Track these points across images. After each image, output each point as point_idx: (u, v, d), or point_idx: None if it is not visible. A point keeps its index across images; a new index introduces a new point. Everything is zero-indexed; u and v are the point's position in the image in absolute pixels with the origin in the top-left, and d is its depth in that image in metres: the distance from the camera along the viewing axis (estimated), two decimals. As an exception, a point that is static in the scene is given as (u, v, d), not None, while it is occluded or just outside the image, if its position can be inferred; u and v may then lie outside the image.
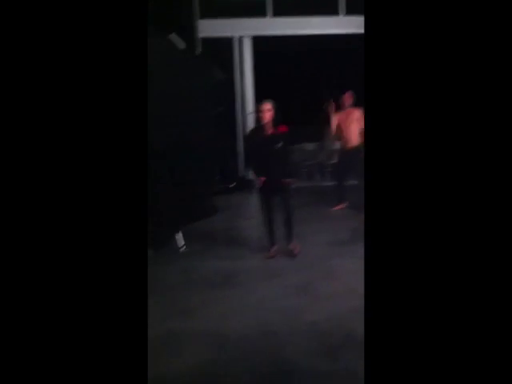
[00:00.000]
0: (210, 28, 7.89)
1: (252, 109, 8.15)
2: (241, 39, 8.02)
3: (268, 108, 4.46)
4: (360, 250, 4.54)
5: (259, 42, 8.11)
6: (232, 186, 7.91)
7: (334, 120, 6.69)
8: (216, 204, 6.72)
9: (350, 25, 7.84)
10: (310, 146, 9.02)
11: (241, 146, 8.14)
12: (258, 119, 4.51)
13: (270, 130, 4.51)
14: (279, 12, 8.00)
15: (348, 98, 6.46)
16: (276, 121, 4.51)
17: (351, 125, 6.57)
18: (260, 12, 7.98)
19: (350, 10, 7.93)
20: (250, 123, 8.10)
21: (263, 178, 4.59)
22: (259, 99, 8.37)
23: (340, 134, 6.72)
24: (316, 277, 4.22)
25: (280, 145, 4.50)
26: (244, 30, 7.97)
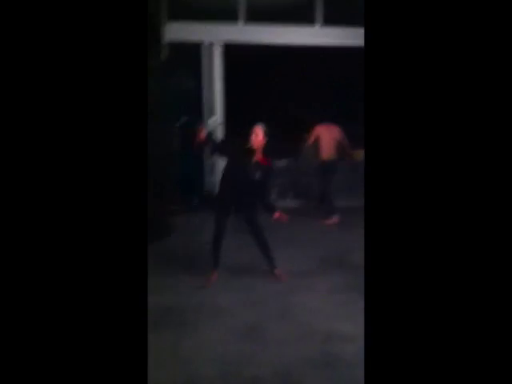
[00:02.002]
0: (178, 31, 7.30)
1: (220, 120, 7.59)
2: (211, 45, 7.45)
3: (260, 132, 4.05)
4: (327, 282, 4.00)
5: (230, 50, 7.55)
6: (195, 203, 7.26)
7: (313, 133, 6.65)
8: (173, 224, 6.15)
9: (326, 36, 7.43)
10: (281, 163, 8.51)
11: (207, 159, 7.54)
12: (247, 141, 4.08)
13: (256, 157, 4.10)
14: (253, 18, 7.47)
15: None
16: (265, 150, 4.13)
17: (330, 139, 6.60)
18: (232, 18, 7.44)
19: (328, 21, 7.47)
20: (218, 135, 7.56)
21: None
22: (228, 110, 8.11)
23: (318, 147, 6.65)
24: (267, 317, 3.66)
25: (260, 176, 4.10)
26: (215, 35, 7.40)
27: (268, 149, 4.10)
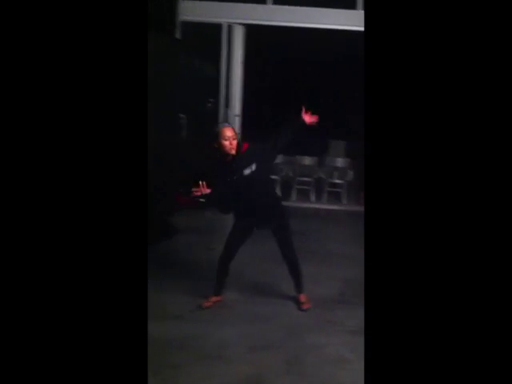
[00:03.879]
0: (195, 11, 6.50)
1: (238, 111, 6.74)
2: (231, 27, 6.60)
3: (232, 133, 3.24)
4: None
5: (253, 32, 6.68)
6: (203, 199, 6.36)
7: None
8: (177, 224, 5.37)
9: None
10: (306, 160, 7.65)
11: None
12: (222, 149, 3.25)
13: (231, 156, 3.29)
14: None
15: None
16: (239, 144, 3.32)
17: None
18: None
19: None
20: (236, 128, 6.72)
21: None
22: (248, 99, 7.30)
23: None
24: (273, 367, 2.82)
25: (253, 167, 3.26)
26: (236, 16, 6.54)
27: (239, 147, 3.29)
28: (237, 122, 6.71)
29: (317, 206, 7.16)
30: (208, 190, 3.21)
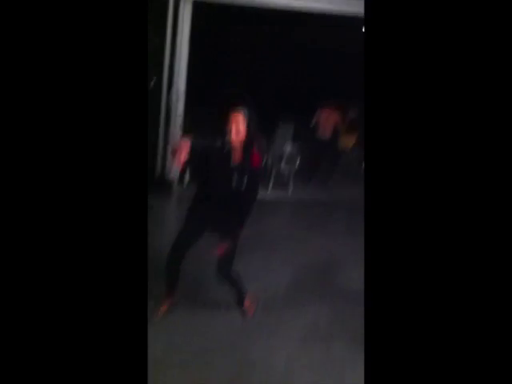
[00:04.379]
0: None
1: (182, 88, 6.35)
2: (178, 1, 6.17)
3: (240, 123, 2.68)
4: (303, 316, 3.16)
5: (202, 8, 6.28)
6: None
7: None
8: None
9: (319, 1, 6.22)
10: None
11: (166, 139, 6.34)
12: (224, 135, 2.72)
13: (237, 158, 2.79)
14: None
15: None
16: (248, 142, 2.77)
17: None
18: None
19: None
20: (179, 107, 6.35)
21: None
22: (193, 75, 6.89)
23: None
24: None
25: (244, 184, 2.79)
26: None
27: (252, 142, 2.79)
28: (180, 101, 6.35)
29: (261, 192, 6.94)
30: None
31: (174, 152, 2.57)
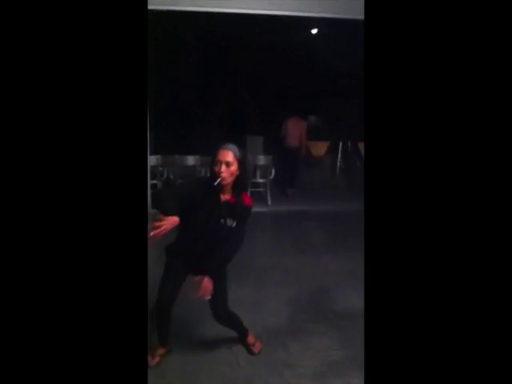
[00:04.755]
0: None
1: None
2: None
3: (229, 159, 2.43)
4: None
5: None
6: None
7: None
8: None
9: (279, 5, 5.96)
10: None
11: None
12: (212, 173, 2.47)
13: (225, 196, 2.53)
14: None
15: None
16: (239, 183, 2.54)
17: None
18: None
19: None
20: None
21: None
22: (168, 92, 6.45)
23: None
24: None
25: (234, 224, 2.54)
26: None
27: (241, 183, 2.54)
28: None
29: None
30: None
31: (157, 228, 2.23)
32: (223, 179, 2.41)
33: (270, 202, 6.84)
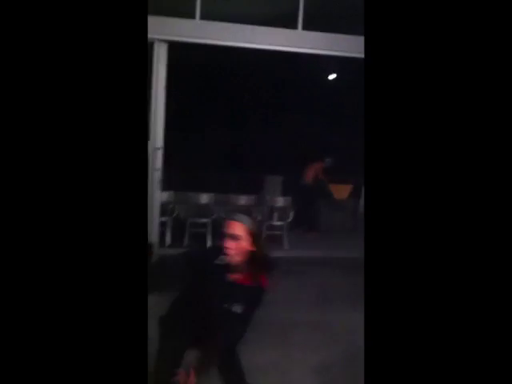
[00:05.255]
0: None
1: (159, 144, 5.61)
2: (152, 43, 5.53)
3: (238, 233, 2.07)
4: None
5: (178, 49, 5.65)
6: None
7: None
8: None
9: (305, 41, 5.71)
10: (241, 200, 6.68)
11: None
12: (219, 243, 2.16)
13: (239, 278, 2.14)
14: (207, 15, 5.64)
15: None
16: (255, 262, 2.14)
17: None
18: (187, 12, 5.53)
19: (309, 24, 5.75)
20: (156, 164, 5.56)
21: None
22: (173, 125, 6.22)
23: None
24: None
25: (240, 310, 2.11)
26: (159, 31, 5.45)
27: (261, 258, 2.15)
28: (158, 155, 5.59)
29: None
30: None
31: None
32: (229, 256, 2.02)
33: (286, 246, 6.39)
